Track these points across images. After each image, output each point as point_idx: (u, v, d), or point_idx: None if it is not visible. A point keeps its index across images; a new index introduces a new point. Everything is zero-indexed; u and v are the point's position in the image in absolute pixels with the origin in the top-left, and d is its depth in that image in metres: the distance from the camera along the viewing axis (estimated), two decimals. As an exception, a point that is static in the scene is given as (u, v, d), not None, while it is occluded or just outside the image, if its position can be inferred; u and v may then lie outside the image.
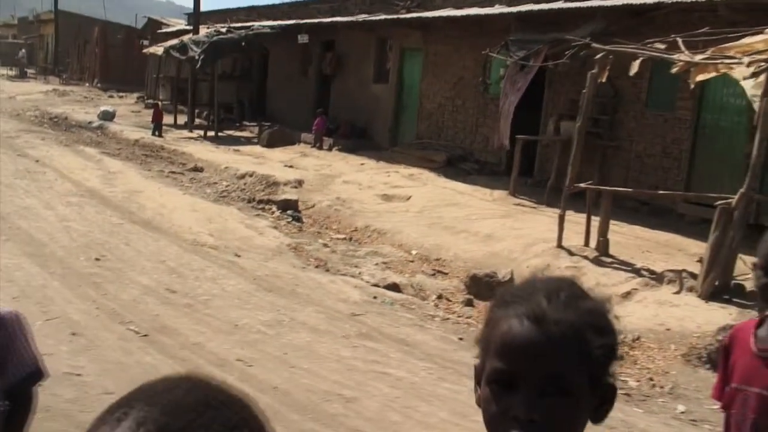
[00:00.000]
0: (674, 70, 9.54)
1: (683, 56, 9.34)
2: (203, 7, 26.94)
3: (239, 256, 9.31)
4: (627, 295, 9.06)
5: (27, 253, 7.83)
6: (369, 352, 6.05)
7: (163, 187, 13.42)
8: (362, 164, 18.12)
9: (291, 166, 17.52)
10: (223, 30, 24.51)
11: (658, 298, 8.81)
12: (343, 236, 11.72)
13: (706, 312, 8.32)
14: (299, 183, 15.28)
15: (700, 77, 9.27)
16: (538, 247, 10.77)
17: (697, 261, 10.40)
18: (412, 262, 10.65)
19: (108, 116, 25.13)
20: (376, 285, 9.06)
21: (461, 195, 14.58)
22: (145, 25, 37.88)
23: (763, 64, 8.46)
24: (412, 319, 7.65)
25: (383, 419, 4.79)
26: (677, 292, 8.93)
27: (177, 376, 0.81)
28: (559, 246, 10.64)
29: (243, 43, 23.16)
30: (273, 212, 12.98)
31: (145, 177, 14.47)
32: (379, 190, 15.01)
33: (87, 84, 44.62)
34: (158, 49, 26.68)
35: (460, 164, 17.25)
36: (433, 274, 10.11)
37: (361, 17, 20.71)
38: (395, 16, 18.62)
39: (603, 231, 10.28)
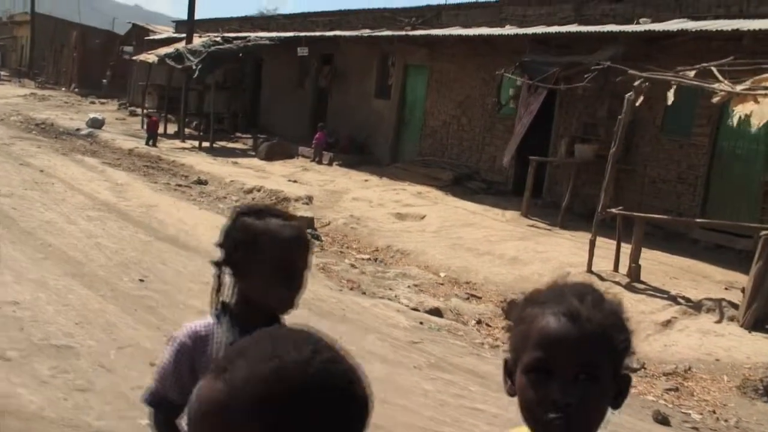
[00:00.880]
0: (715, 100, 9.57)
1: (724, 86, 9.36)
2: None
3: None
4: (668, 324, 9.03)
5: (69, 273, 7.56)
6: (448, 384, 5.92)
7: (176, 202, 13.16)
8: (366, 180, 17.98)
9: (295, 181, 17.33)
10: (219, 40, 24.26)
11: (700, 327, 8.79)
12: (367, 256, 11.56)
13: (752, 342, 8.32)
14: (309, 199, 15.08)
15: (739, 107, 9.30)
16: (568, 272, 10.71)
17: (725, 288, 10.48)
18: (442, 284, 10.53)
19: (97, 124, 24.69)
20: (415, 309, 8.94)
21: (474, 215, 14.50)
22: (129, 31, 37.40)
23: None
24: (465, 347, 7.53)
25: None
26: (718, 321, 8.92)
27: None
28: (589, 271, 10.60)
29: (240, 54, 22.92)
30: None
31: (154, 190, 14.18)
32: (391, 208, 14.88)
33: (63, 88, 43.93)
34: (149, 57, 26.29)
35: (467, 183, 17.20)
36: (467, 298, 9.99)
37: (365, 32, 20.60)
38: (404, 33, 18.53)
39: (635, 257, 10.26)
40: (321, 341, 1.00)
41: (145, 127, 23.61)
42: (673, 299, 9.66)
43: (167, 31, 34.21)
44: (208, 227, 11.38)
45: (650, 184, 14.06)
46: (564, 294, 1.40)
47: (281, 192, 15.30)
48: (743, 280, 10.99)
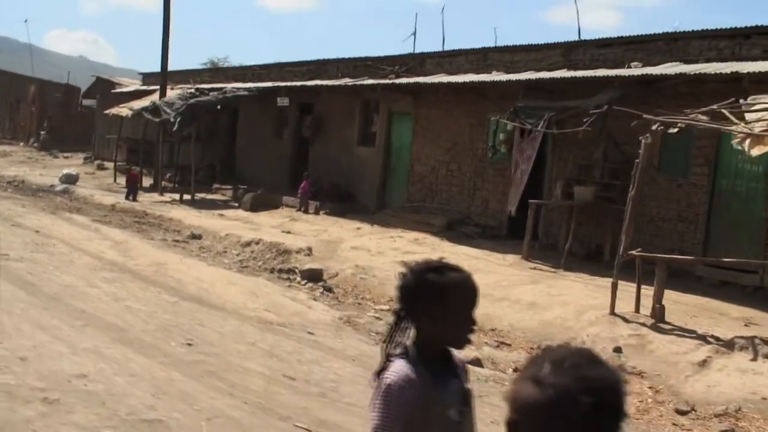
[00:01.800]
0: (735, 141, 9.79)
1: (741, 128, 9.61)
2: (155, 67, 26.53)
3: (312, 333, 8.99)
4: (704, 363, 9.10)
5: (117, 340, 7.34)
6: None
7: (183, 259, 12.95)
8: (358, 228, 17.93)
9: (289, 232, 17.19)
10: (193, 91, 24.16)
11: (738, 366, 8.87)
12: (386, 307, 11.46)
13: (796, 380, 8.43)
14: (309, 250, 14.97)
15: (756, 149, 9.54)
16: (591, 315, 10.77)
17: (745, 325, 10.64)
18: (467, 333, 10.46)
19: (71, 179, 24.31)
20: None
21: (476, 260, 14.52)
22: (93, 85, 37.01)
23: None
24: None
25: None
26: (753, 359, 9.03)
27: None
28: (612, 313, 10.66)
29: (218, 106, 22.85)
30: (300, 282, 12.68)
31: (154, 247, 13.95)
32: (393, 256, 14.82)
33: (22, 143, 43.17)
34: (122, 110, 26.02)
35: (460, 228, 17.27)
36: (498, 346, 9.97)
37: (349, 81, 20.73)
38: (390, 81, 18.68)
39: (658, 298, 10.37)
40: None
41: (117, 180, 23.27)
42: (703, 338, 9.75)
43: (134, 84, 33.95)
44: (224, 284, 11.23)
45: (649, 223, 14.28)
46: (541, 359, 1.48)
47: (281, 244, 15.17)
48: (758, 315, 11.22)
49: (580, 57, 15.75)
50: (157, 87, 28.86)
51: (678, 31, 14.77)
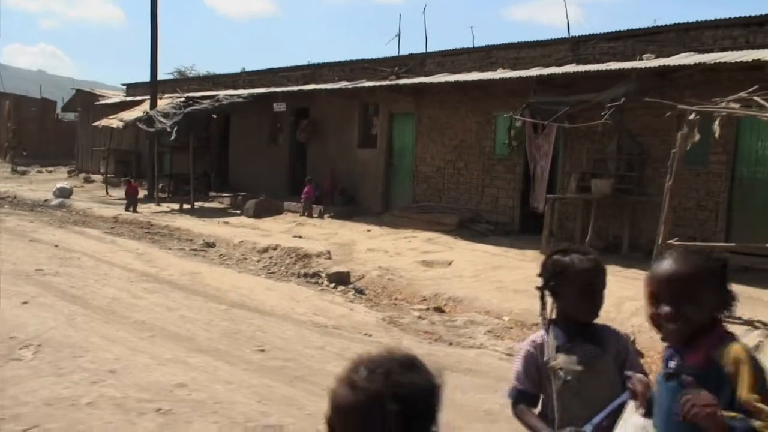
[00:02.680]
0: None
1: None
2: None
3: (370, 335, 8.97)
4: (757, 348, 9.23)
5: (192, 349, 7.25)
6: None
7: (212, 267, 12.84)
8: (368, 231, 17.91)
9: (300, 237, 17.10)
10: (182, 100, 23.95)
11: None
12: (424, 307, 11.46)
13: None
14: (329, 254, 14.92)
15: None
16: (630, 306, 10.86)
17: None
18: (511, 328, 10.51)
19: (65, 193, 23.98)
20: (510, 355, 8.90)
21: (496, 257, 14.58)
22: (73, 98, 36.50)
23: None
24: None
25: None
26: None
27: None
28: (652, 303, 10.75)
29: (214, 114, 22.68)
30: (328, 286, 12.62)
31: (177, 257, 13.81)
32: (412, 257, 14.83)
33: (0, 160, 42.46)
34: (112, 122, 25.71)
35: (472, 226, 17.31)
36: (546, 340, 9.99)
37: (342, 84, 20.70)
38: (392, 83, 18.68)
39: (699, 286, 10.46)
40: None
41: (109, 192, 22.98)
42: (750, 323, 9.86)
43: (118, 95, 33.55)
44: (262, 290, 11.15)
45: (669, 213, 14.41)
46: (359, 364, 1.62)
47: (300, 249, 15.09)
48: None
49: (590, 51, 15.88)
50: (143, 97, 28.64)
51: (685, 22, 14.92)
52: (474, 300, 11.75)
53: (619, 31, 15.62)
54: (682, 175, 14.46)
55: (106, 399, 5.57)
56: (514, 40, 17.44)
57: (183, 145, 22.28)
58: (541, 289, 2.89)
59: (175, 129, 21.24)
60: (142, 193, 24.78)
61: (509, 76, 15.73)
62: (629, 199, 14.66)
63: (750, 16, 13.67)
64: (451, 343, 9.30)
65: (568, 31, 18.93)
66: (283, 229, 18.45)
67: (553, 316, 2.89)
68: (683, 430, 2.00)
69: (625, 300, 11.16)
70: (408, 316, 10.77)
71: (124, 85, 34.11)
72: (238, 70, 25.74)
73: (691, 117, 10.50)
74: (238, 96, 22.88)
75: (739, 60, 12.35)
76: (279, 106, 21.52)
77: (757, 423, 1.96)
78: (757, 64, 12.21)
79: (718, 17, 14.22)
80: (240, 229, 18.29)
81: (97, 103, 31.69)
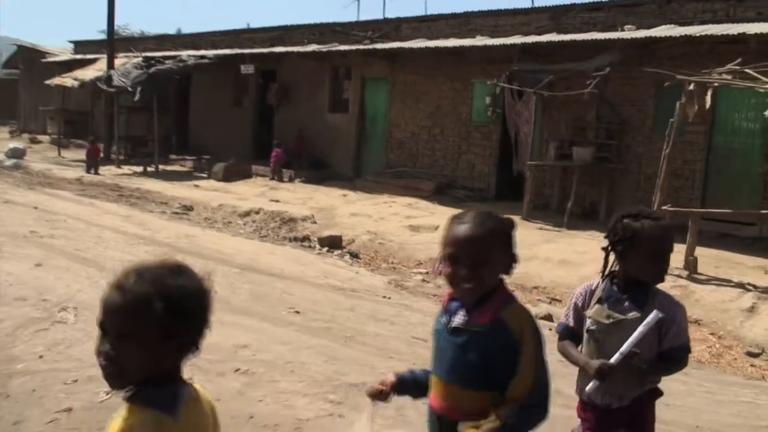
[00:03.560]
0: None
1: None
2: (92, 35, 25.50)
3: (389, 297, 9.05)
4: (752, 310, 9.64)
5: (234, 311, 7.17)
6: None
7: (205, 230, 12.70)
8: (344, 195, 17.90)
9: (277, 201, 16.99)
10: (140, 60, 23.33)
11: None
12: (424, 270, 11.58)
13: None
14: (314, 218, 14.89)
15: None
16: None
17: (765, 273, 11.28)
18: (514, 291, 10.69)
19: (18, 154, 23.16)
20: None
21: (480, 222, 14.76)
22: (14, 54, 35.11)
23: None
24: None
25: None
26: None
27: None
28: (647, 267, 11.08)
29: (177, 76, 22.17)
30: (323, 250, 12.62)
31: (164, 219, 13.59)
32: (397, 221, 14.91)
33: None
34: (65, 81, 24.89)
35: (450, 192, 17.46)
36: (550, 302, 10.25)
37: (313, 47, 20.48)
38: (368, 47, 18.57)
39: (692, 250, 10.85)
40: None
41: (62, 154, 22.38)
42: (741, 286, 10.29)
43: (65, 53, 32.42)
44: (265, 254, 11.11)
45: (646, 181, 14.81)
46: (130, 272, 1.78)
47: (284, 213, 15.02)
48: (768, 264, 11.89)
49: (570, 21, 16.07)
50: (95, 56, 27.80)
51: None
52: (471, 264, 11.90)
53: (601, 1, 15.84)
54: (658, 145, 14.89)
55: (177, 360, 5.51)
56: (492, 7, 17.52)
57: (144, 106, 21.75)
58: (606, 249, 3.02)
59: (138, 90, 20.68)
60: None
61: (491, 44, 15.80)
62: (608, 166, 14.99)
63: (732, -10, 14.03)
64: (463, 306, 9.43)
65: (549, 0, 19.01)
66: (257, 193, 18.29)
67: (614, 271, 3.04)
68: (465, 373, 2.21)
69: (618, 264, 11.48)
70: (411, 280, 10.87)
71: (72, 42, 32.96)
72: (172, 30, 25.16)
73: (690, 87, 10.77)
74: (204, 57, 22.38)
75: (724, 33, 12.68)
76: (247, 69, 21.17)
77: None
78: (741, 38, 12.57)
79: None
80: (213, 193, 18.05)
81: (45, 60, 30.55)
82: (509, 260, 2.31)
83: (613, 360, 2.74)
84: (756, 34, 12.22)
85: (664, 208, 11.23)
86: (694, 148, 14.14)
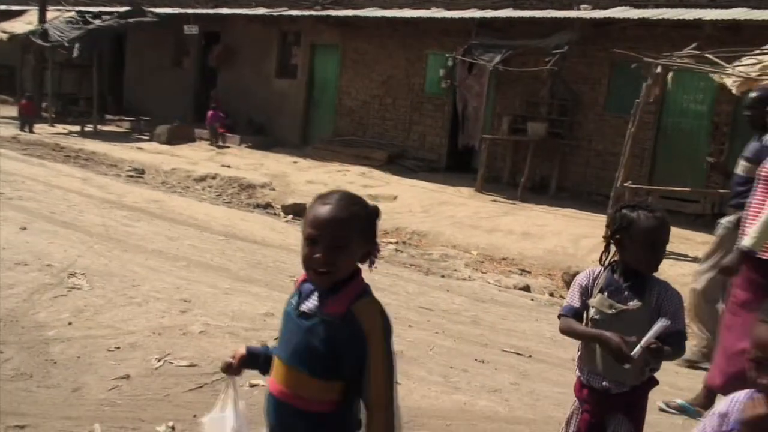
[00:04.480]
0: (732, 84, 10.78)
1: (738, 71, 10.63)
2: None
3: (377, 267, 9.20)
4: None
5: (239, 279, 7.20)
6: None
7: (170, 195, 12.55)
8: (295, 162, 17.88)
9: (228, 166, 16.85)
10: (74, 15, 22.49)
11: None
12: (393, 240, 11.77)
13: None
14: (272, 185, 14.87)
15: (741, 88, 10.64)
16: (586, 243, 11.63)
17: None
18: (482, 262, 11.04)
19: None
20: (507, 287, 9.44)
21: (437, 193, 15.05)
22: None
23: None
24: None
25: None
26: None
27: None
28: (607, 241, 11.57)
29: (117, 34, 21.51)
30: (288, 217, 12.66)
31: (122, 182, 13.35)
32: (355, 190, 14.72)
33: None
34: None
35: (401, 162, 17.64)
36: (521, 274, 10.61)
37: (262, 10, 20.20)
38: (320, 13, 18.45)
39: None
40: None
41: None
42: (695, 260, 10.87)
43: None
44: (237, 221, 11.12)
45: (596, 157, 15.35)
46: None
47: (242, 179, 14.96)
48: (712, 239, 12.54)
49: (527, -3, 16.37)
50: (22, 8, 26.64)
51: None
52: (438, 235, 12.18)
53: (558, -21, 16.16)
54: (610, 123, 15.46)
55: (213, 328, 5.56)
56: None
57: (77, 63, 21.07)
58: (607, 238, 3.08)
59: (76, 46, 19.99)
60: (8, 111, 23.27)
61: (450, 16, 15.97)
62: (560, 142, 15.44)
63: (686, -25, 14.55)
64: (443, 276, 9.69)
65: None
66: (205, 158, 18.07)
67: (613, 259, 3.09)
68: (309, 359, 2.13)
69: (579, 238, 11.95)
70: (384, 249, 11.03)
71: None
72: None
73: (658, 70, 11.21)
74: (145, 15, 21.73)
75: (680, 17, 13.21)
76: (191, 29, 20.74)
77: None
78: (695, 23, 13.12)
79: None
80: (160, 156, 17.73)
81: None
82: (370, 250, 2.22)
83: (634, 353, 2.77)
84: (711, 20, 12.77)
85: (626, 185, 11.72)
86: (645, 128, 14.68)
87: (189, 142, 20.01)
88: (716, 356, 5.04)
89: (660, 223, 2.95)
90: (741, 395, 2.32)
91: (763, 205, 4.80)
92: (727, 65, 11.06)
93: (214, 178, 14.98)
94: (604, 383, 2.97)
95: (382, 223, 12.63)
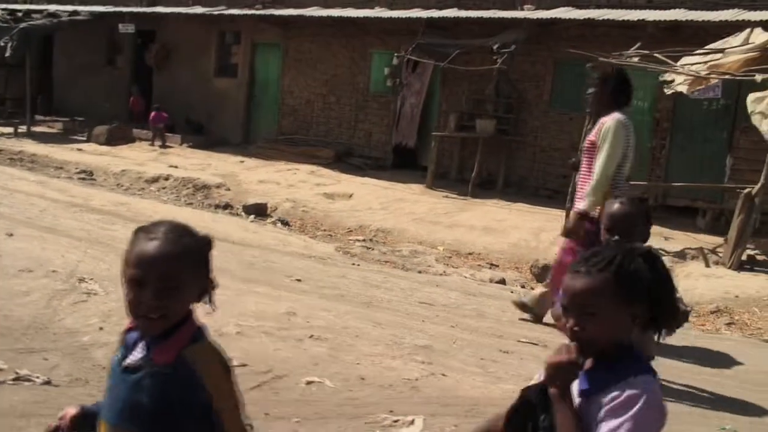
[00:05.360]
0: (679, 82, 11.43)
1: (687, 70, 11.28)
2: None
3: (358, 265, 9.43)
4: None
5: (244, 280, 7.33)
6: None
7: (132, 198, 12.44)
8: (241, 162, 17.83)
9: (175, 167, 16.70)
10: (1, 14, 21.81)
11: (701, 273, 10.69)
12: (361, 237, 11.99)
13: (748, 280, 10.36)
14: (227, 185, 14.86)
15: (698, 88, 11.32)
16: (546, 236, 12.08)
17: (665, 239, 12.62)
18: (450, 257, 11.39)
19: None
20: (483, 281, 9.79)
21: (390, 191, 15.31)
22: None
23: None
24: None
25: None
26: (707, 266, 10.91)
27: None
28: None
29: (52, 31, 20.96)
30: (249, 217, 12.72)
31: (78, 185, 13.16)
32: (309, 189, 15.16)
33: None
34: None
35: (348, 160, 17.83)
36: (490, 268, 10.99)
37: (201, 9, 20.05)
38: (262, 12, 18.46)
39: (607, 219, 11.93)
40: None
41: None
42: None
43: None
44: (209, 222, 11.09)
45: (541, 153, 15.91)
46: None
47: (196, 179, 14.89)
48: (665, 231, 13.27)
49: (471, -2, 16.78)
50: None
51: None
52: (403, 231, 12.47)
53: (500, -20, 16.63)
54: (554, 119, 16.05)
55: (246, 328, 5.69)
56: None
57: (10, 62, 20.46)
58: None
59: (9, 45, 19.42)
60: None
61: (396, 16, 16.26)
62: (506, 138, 15.94)
63: (625, -23, 15.23)
64: (420, 271, 9.97)
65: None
66: (149, 158, 17.85)
67: None
68: (138, 419, 1.86)
69: (539, 231, 12.42)
70: (354, 247, 11.24)
71: None
72: None
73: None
74: (77, 13, 21.22)
75: (624, 18, 13.85)
76: (126, 27, 20.38)
77: None
78: (637, 24, 13.78)
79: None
80: (103, 157, 17.41)
81: None
82: (205, 286, 1.97)
83: None
84: (654, 21, 13.45)
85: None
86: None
87: (129, 142, 19.69)
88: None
89: (620, 209, 3.46)
90: None
91: (589, 173, 5.83)
92: (675, 64, 11.73)
93: (166, 179, 14.85)
94: None
95: (343, 221, 12.90)
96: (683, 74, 11.37)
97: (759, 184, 10.67)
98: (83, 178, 14.22)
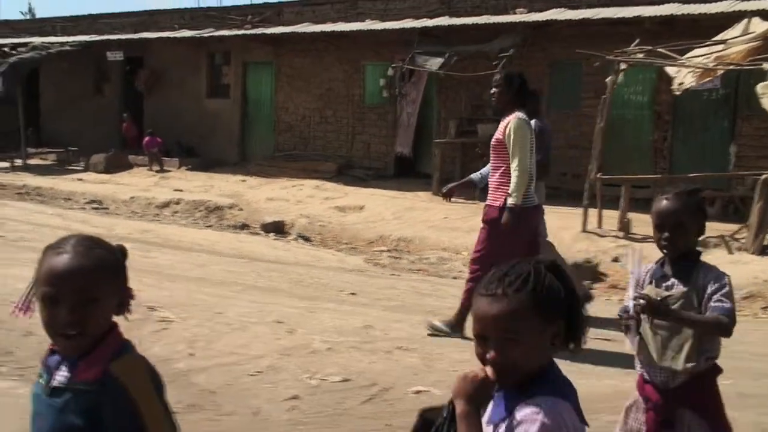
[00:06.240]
0: (688, 78, 11.70)
1: (697, 63, 11.57)
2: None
3: (399, 275, 9.57)
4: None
5: (305, 298, 7.40)
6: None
7: (154, 224, 12.45)
8: (243, 180, 17.90)
9: (180, 190, 16.73)
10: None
11: (727, 260, 10.92)
12: (386, 248, 12.12)
13: (772, 264, 10.63)
14: (238, 205, 14.94)
15: (706, 80, 11.62)
16: (566, 234, 12.28)
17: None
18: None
19: None
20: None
21: (399, 200, 15.46)
22: None
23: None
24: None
25: None
26: (731, 253, 11.17)
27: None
28: (584, 231, 12.34)
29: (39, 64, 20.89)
30: (270, 235, 12.80)
31: (96, 215, 13.17)
32: (320, 203, 15.28)
33: None
34: None
35: (350, 172, 17.96)
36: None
37: (189, 33, 20.10)
38: (251, 32, 18.56)
39: (625, 213, 12.20)
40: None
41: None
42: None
43: None
44: (236, 243, 11.22)
45: (543, 153, 16.12)
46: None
47: (207, 201, 14.92)
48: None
49: (461, 4, 17.00)
50: None
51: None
52: (424, 239, 12.61)
53: (491, -14, 16.91)
54: (552, 119, 16.24)
55: (332, 344, 5.80)
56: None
57: (5, 96, 20.40)
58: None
59: (0, 81, 19.34)
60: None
61: (389, 27, 16.45)
62: (503, 140, 16.13)
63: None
64: (455, 278, 10.12)
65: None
66: (152, 183, 17.85)
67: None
68: None
69: (558, 230, 12.51)
70: (382, 258, 11.38)
71: None
72: (82, 14, 23.60)
73: (623, 67, 12.03)
74: (64, 44, 21.16)
75: (618, 16, 14.14)
76: (115, 55, 20.37)
77: None
78: (633, 20, 14.08)
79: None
80: (107, 186, 17.40)
81: None
82: (122, 297, 1.93)
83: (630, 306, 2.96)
84: (649, 16, 13.75)
85: (598, 176, 12.50)
86: (590, 120, 15.59)
87: (127, 169, 19.68)
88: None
89: (667, 205, 2.97)
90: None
91: (499, 168, 6.29)
92: (680, 57, 12.01)
93: (177, 203, 14.87)
94: (660, 376, 2.97)
95: (362, 233, 13.03)
96: (691, 68, 11.64)
97: (775, 170, 10.96)
98: (96, 208, 14.21)
